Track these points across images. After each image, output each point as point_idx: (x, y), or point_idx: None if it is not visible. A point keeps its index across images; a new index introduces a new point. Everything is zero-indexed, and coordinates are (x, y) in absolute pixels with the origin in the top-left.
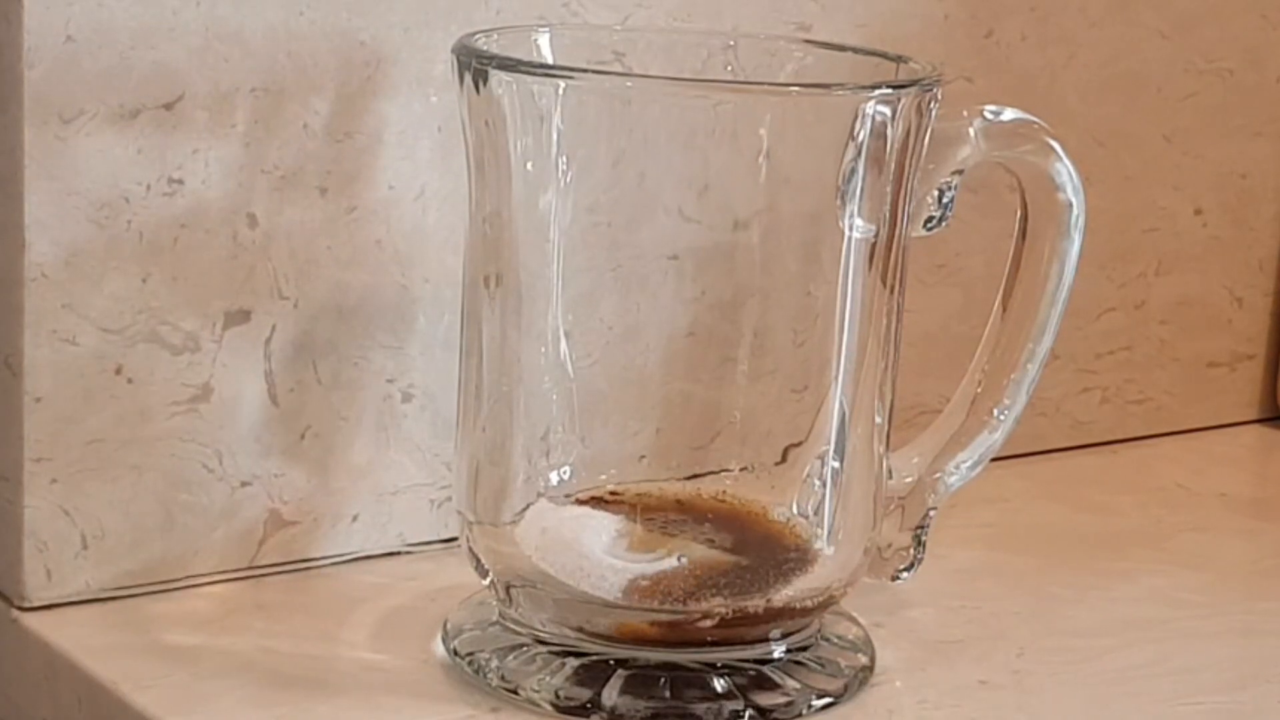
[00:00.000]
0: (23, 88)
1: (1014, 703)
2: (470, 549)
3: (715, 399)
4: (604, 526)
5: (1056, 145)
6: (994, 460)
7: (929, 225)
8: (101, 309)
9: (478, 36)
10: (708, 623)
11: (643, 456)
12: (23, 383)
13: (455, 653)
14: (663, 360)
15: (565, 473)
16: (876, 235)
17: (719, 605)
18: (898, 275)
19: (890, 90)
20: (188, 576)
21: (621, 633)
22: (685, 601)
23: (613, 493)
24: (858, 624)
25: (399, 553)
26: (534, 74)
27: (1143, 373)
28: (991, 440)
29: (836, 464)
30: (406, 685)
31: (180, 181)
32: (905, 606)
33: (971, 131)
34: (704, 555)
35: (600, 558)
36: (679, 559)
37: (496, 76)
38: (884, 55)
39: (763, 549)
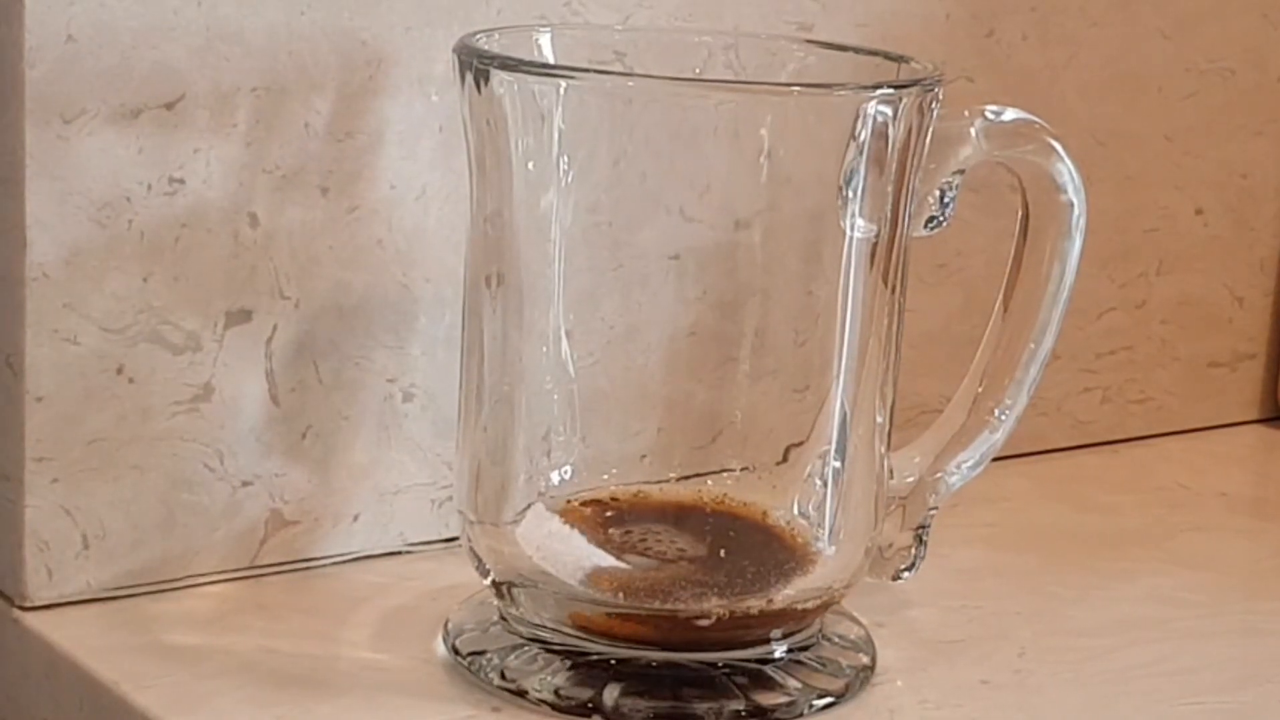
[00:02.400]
0: (24, 87)
1: (1015, 702)
2: (471, 548)
3: (716, 399)
4: (600, 530)
5: (1058, 145)
6: (995, 460)
7: (930, 225)
8: (103, 308)
9: (479, 36)
10: (707, 622)
11: (644, 456)
12: (24, 382)
13: (456, 652)
14: (664, 360)
15: (566, 472)
16: (878, 235)
17: (719, 606)
18: (899, 275)
19: (891, 90)
20: (189, 576)
21: (622, 634)
22: (686, 602)
23: (613, 497)
24: (859, 624)
25: (400, 552)
26: (535, 74)
27: (1144, 372)
28: (993, 440)
29: (838, 464)
30: (407, 685)
31: (181, 181)
32: (906, 606)
33: (973, 131)
34: (704, 557)
35: (600, 558)
36: (679, 561)
37: (498, 76)
38: (885, 55)
39: (763, 551)
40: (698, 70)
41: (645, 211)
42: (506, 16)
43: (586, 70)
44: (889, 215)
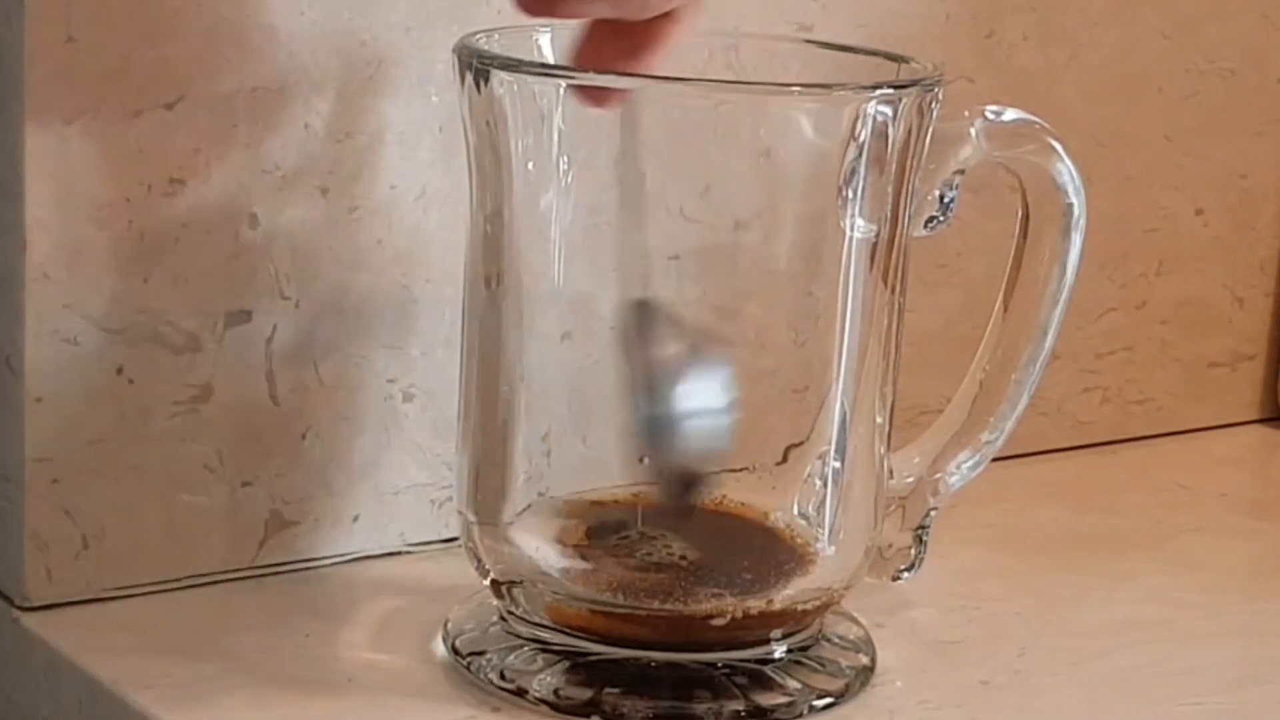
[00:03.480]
0: (24, 88)
1: (1015, 703)
2: (471, 549)
3: None
4: (600, 531)
5: (1058, 145)
6: (995, 460)
7: (930, 225)
8: (103, 309)
9: (479, 36)
10: (713, 622)
11: (643, 457)
12: (24, 383)
13: (456, 652)
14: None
15: (566, 473)
16: (877, 235)
17: (718, 606)
18: (898, 275)
19: (891, 90)
20: (189, 576)
21: (621, 634)
22: (685, 603)
23: (614, 499)
24: (859, 624)
25: (400, 553)
26: (535, 74)
27: (1144, 373)
28: (993, 440)
29: (837, 464)
30: (407, 685)
31: (181, 181)
32: (906, 607)
33: (973, 131)
34: (703, 558)
35: (600, 559)
36: (679, 562)
37: (497, 76)
38: (885, 55)
39: (763, 551)
40: (698, 70)
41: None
42: (506, 16)
43: (587, 71)
44: (889, 215)
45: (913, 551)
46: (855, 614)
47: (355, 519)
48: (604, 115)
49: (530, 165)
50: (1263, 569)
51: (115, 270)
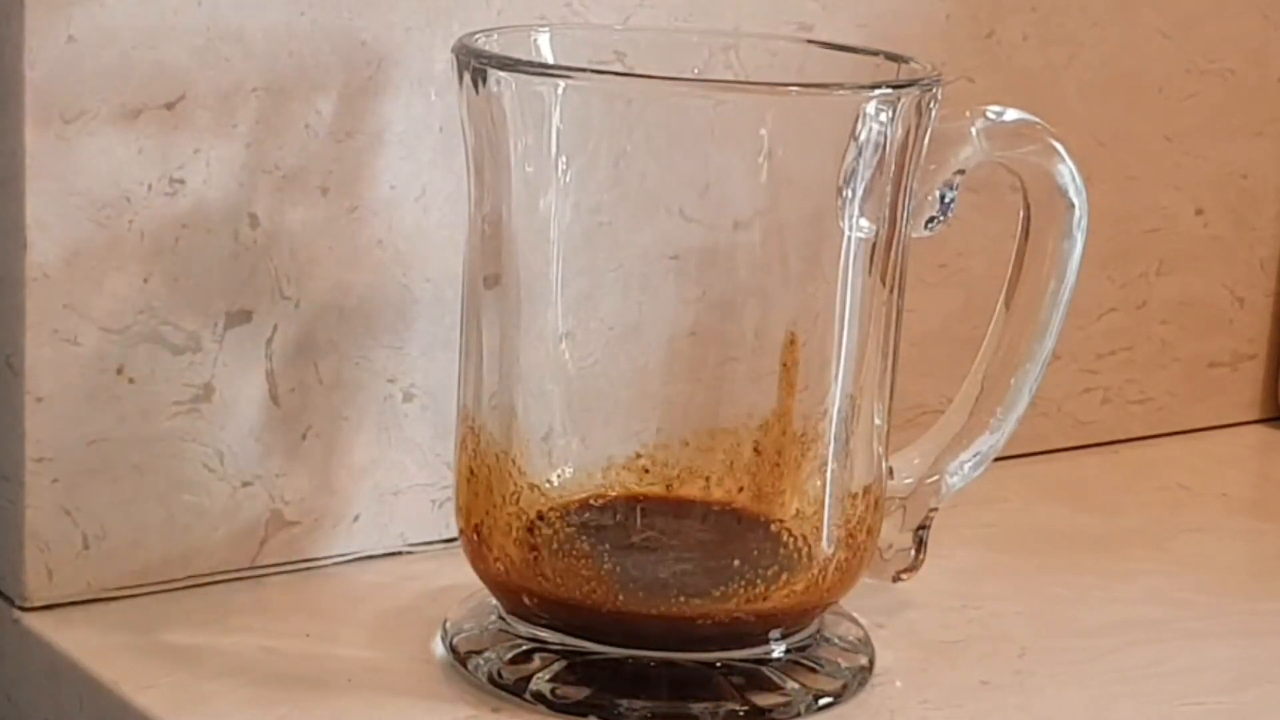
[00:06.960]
0: (24, 88)
1: (1015, 703)
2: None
3: (716, 399)
4: (599, 532)
5: (1059, 146)
6: (995, 460)
7: (930, 225)
8: (103, 309)
9: (478, 36)
10: (706, 623)
11: (643, 457)
12: (24, 383)
13: (455, 652)
14: (663, 360)
15: (566, 473)
16: (877, 235)
17: (721, 604)
18: (897, 275)
19: (890, 90)
20: (189, 576)
21: (620, 634)
22: (685, 603)
23: (613, 498)
24: (858, 624)
25: (400, 553)
26: (534, 74)
27: (1144, 373)
28: (993, 441)
29: (837, 464)
30: (406, 685)
31: (182, 181)
32: (906, 607)
33: (974, 132)
34: (703, 558)
35: (599, 559)
36: (678, 562)
37: (495, 76)
38: (885, 55)
39: (763, 550)
40: (698, 70)
41: (645, 211)
42: (506, 16)
43: (585, 70)
44: (888, 215)
45: (912, 552)
46: (855, 614)
47: (355, 519)
48: (603, 115)
49: (529, 166)
50: (1263, 569)
51: (115, 270)
